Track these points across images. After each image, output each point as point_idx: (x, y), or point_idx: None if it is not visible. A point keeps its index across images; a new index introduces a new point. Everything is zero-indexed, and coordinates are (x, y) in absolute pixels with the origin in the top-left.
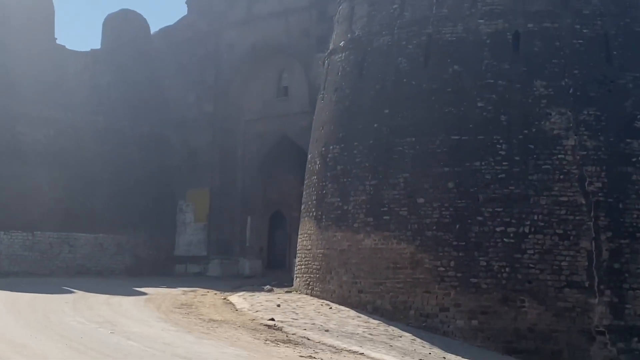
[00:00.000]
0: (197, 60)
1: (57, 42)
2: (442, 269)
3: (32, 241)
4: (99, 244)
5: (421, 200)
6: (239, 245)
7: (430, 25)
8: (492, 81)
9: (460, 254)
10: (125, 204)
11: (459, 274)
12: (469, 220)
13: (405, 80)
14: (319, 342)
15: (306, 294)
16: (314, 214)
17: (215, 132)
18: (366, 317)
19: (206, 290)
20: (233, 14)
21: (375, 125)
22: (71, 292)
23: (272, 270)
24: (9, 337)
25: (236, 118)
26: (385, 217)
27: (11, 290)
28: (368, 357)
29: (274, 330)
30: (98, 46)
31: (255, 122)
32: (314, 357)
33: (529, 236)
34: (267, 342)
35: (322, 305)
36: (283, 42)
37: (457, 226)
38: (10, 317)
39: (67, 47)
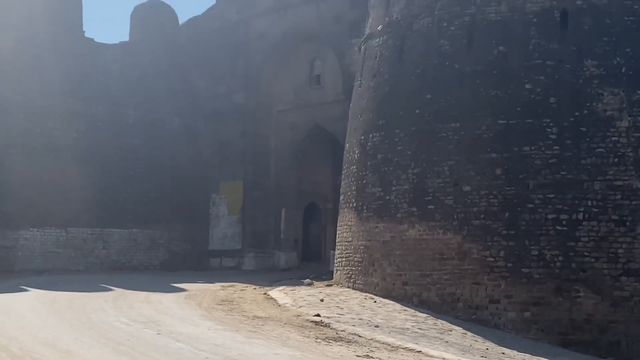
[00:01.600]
0: (226, 50)
1: (86, 34)
2: (492, 259)
3: (65, 238)
4: (133, 239)
5: (467, 188)
6: (274, 238)
7: (472, 5)
8: (540, 62)
9: (510, 243)
10: (158, 198)
11: (509, 264)
12: (519, 208)
13: (447, 63)
14: (372, 339)
15: (348, 287)
16: (354, 204)
17: (246, 123)
18: (412, 311)
19: (244, 285)
20: (262, 1)
21: (417, 111)
22: (109, 289)
23: (308, 262)
24: (52, 341)
25: (268, 108)
26: (429, 207)
27: (48, 289)
28: (426, 355)
29: (321, 327)
30: (127, 38)
31: (288, 112)
32: (371, 357)
33: (583, 223)
34: (318, 340)
35: (365, 299)
36: (314, 29)
37: (507, 214)
38: (51, 319)
39: (96, 39)
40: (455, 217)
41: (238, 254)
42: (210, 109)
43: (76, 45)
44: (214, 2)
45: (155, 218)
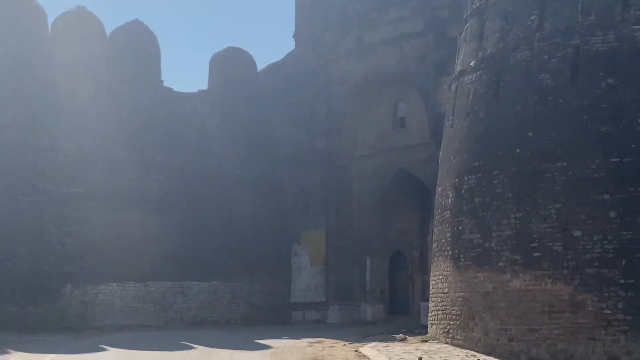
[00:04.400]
0: (306, 95)
1: (164, 84)
2: (609, 311)
3: (145, 292)
4: (213, 292)
5: (578, 233)
6: (359, 289)
7: (576, 36)
8: None
9: (630, 294)
10: (237, 250)
11: (629, 317)
12: (638, 254)
13: (550, 98)
14: None
15: (445, 343)
16: (450, 252)
17: (328, 170)
18: None
19: (332, 340)
20: (343, 45)
21: (517, 150)
22: (191, 347)
23: (396, 315)
24: None
25: (350, 153)
26: (535, 254)
27: (129, 348)
28: None
29: None
30: (205, 86)
31: (371, 157)
32: None
33: None
34: None
35: (467, 356)
36: (398, 70)
37: (624, 261)
38: None
39: (175, 88)
40: (566, 265)
41: (322, 307)
42: (291, 156)
43: (155, 95)
44: (293, 47)
45: (236, 270)
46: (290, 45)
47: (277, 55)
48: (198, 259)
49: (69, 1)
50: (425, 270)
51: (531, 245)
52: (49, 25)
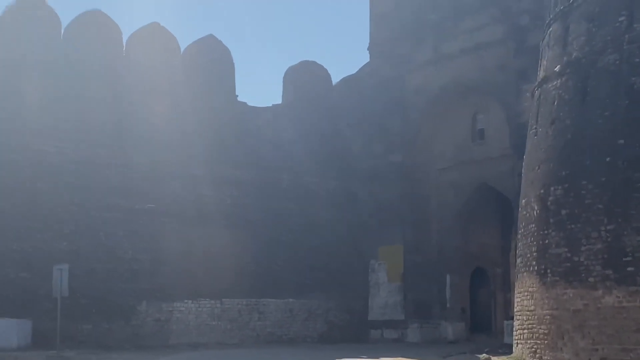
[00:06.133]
0: (382, 108)
1: (238, 98)
2: None
3: (220, 309)
4: (289, 309)
5: None
6: (439, 307)
7: None
8: None
9: None
10: (313, 266)
11: None
12: None
13: None
14: None
15: None
16: (536, 268)
17: (405, 183)
18: None
19: None
20: (419, 55)
21: (607, 159)
22: None
23: (477, 334)
24: None
25: (427, 167)
26: (629, 269)
27: None
28: None
29: None
30: (279, 100)
31: (449, 170)
32: None
33: None
34: None
35: None
36: (476, 80)
37: None
38: None
39: (248, 103)
40: None
41: (401, 325)
42: (366, 170)
43: (229, 110)
44: (368, 59)
45: (312, 287)
46: (364, 58)
47: (352, 68)
48: (273, 275)
49: (143, 18)
50: (507, 287)
51: (624, 259)
52: (124, 42)
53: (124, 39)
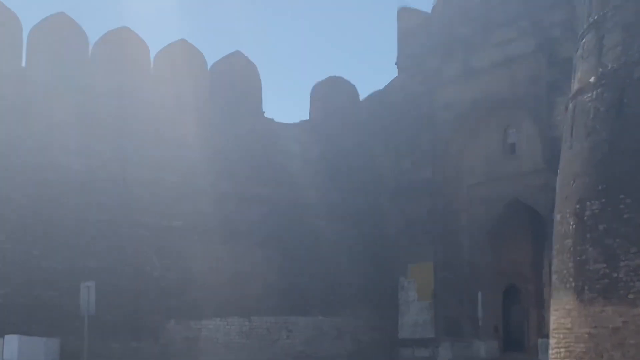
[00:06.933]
0: (410, 123)
1: (265, 115)
2: None
3: (248, 327)
4: (318, 327)
5: None
6: (470, 325)
7: None
8: None
9: None
10: (342, 283)
11: None
12: None
13: None
14: None
15: None
16: (573, 284)
17: (434, 199)
18: None
19: None
20: (448, 70)
21: None
22: None
23: (509, 352)
24: None
25: (457, 183)
26: None
27: None
28: None
29: None
30: (306, 117)
31: (479, 186)
32: None
33: None
34: None
35: None
36: (507, 94)
37: None
38: None
39: (275, 119)
40: None
41: (432, 343)
42: (395, 186)
43: (257, 127)
44: (396, 74)
45: (341, 304)
46: (392, 73)
47: (379, 84)
48: (301, 293)
49: (169, 34)
50: (541, 305)
51: None
52: (151, 59)
53: (152, 56)
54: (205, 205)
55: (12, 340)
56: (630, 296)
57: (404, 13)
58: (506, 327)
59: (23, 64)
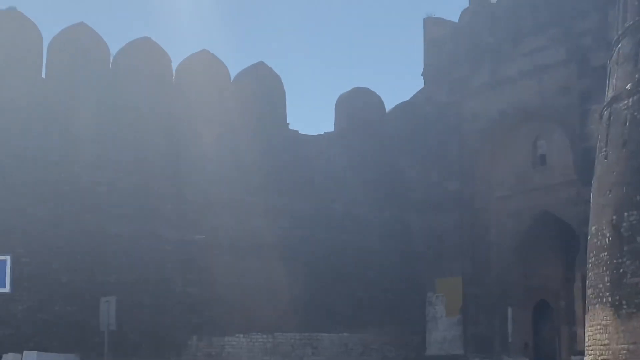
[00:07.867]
0: (437, 134)
1: (290, 127)
2: None
3: (272, 344)
4: (344, 344)
5: None
6: (500, 341)
7: None
8: None
9: None
10: (368, 298)
11: None
12: None
13: None
14: None
15: None
16: (609, 299)
17: (462, 212)
18: None
19: None
20: (476, 80)
21: None
22: None
23: None
24: None
25: (485, 195)
26: None
27: None
28: None
29: None
30: (331, 128)
31: (509, 198)
32: None
33: None
34: None
35: None
36: (537, 104)
37: None
38: None
39: (300, 131)
40: None
41: None
42: (422, 199)
43: (281, 138)
44: (422, 85)
45: (366, 320)
46: (418, 84)
47: (406, 94)
48: (327, 308)
49: (192, 44)
50: (572, 321)
51: None
52: (174, 70)
53: (174, 66)
54: (229, 219)
55: (31, 357)
56: None
57: (431, 23)
58: (537, 344)
59: (43, 75)
